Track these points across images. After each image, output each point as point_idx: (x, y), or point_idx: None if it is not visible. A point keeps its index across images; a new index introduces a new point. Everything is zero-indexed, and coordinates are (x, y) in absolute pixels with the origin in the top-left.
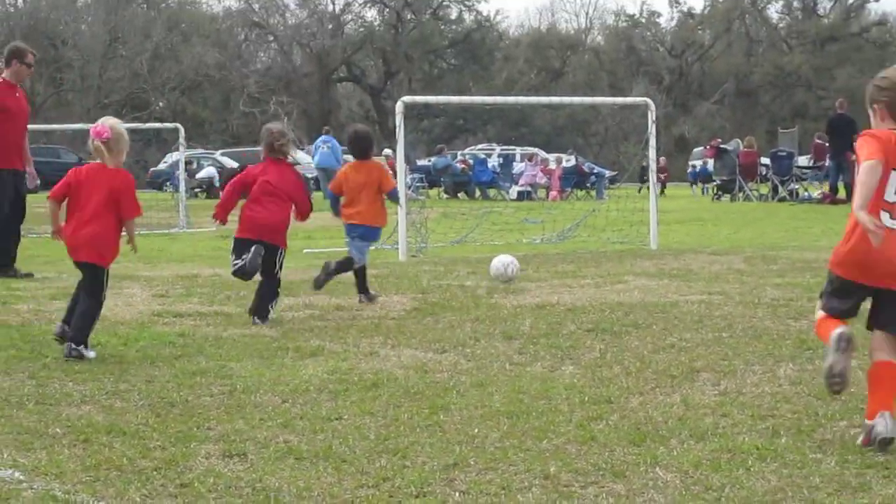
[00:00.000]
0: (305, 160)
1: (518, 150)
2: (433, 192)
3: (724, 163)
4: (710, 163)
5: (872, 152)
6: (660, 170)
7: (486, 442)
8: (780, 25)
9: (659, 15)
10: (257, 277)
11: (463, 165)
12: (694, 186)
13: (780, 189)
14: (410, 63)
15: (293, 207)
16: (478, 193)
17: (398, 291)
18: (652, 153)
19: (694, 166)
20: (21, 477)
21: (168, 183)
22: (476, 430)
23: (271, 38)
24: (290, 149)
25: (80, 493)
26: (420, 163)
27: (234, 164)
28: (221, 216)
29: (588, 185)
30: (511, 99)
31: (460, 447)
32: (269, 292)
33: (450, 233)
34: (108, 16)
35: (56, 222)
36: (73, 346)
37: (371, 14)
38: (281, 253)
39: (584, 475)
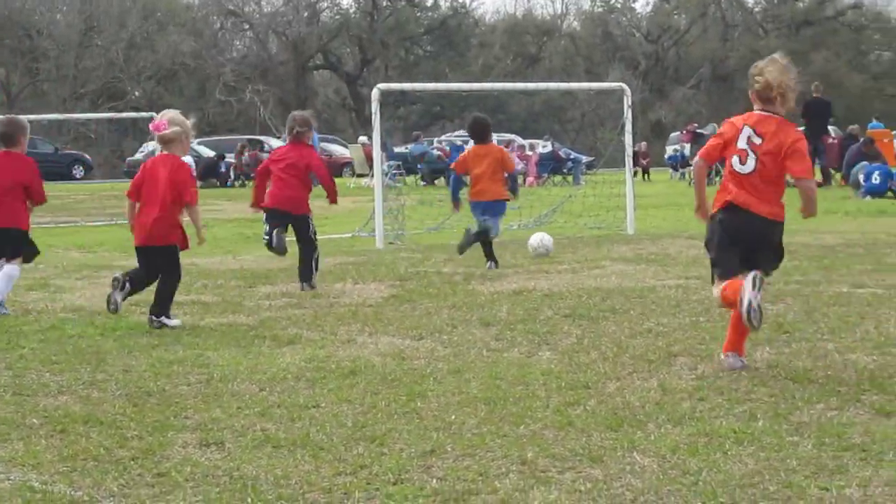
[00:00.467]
0: None
1: (495, 137)
2: (410, 179)
3: (701, 147)
4: (688, 147)
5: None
6: (642, 155)
7: (463, 428)
8: (756, 10)
9: (635, 0)
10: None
11: (440, 153)
12: (674, 172)
13: None
14: (386, 50)
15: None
16: None
17: (375, 279)
18: (628, 138)
19: (676, 150)
20: None
21: None
22: (453, 417)
23: (247, 26)
24: (309, 135)
25: (57, 484)
26: (397, 150)
27: (211, 153)
28: (258, 203)
29: (565, 170)
30: (487, 85)
31: (437, 434)
32: (308, 257)
33: (427, 220)
34: (84, 5)
35: (131, 218)
36: (155, 318)
37: (347, 1)
38: (308, 219)
39: (561, 460)
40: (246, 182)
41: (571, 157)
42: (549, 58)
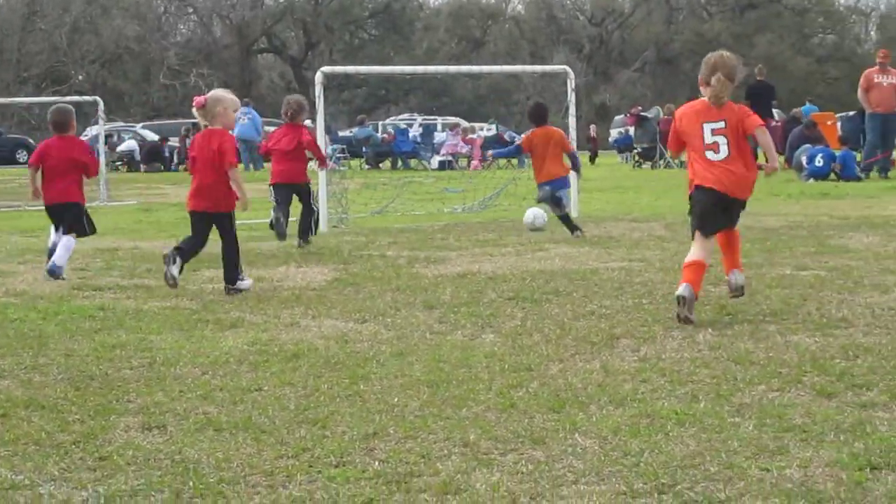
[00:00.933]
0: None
1: (439, 120)
2: (354, 162)
3: (645, 130)
4: (632, 130)
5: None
6: (590, 139)
7: (405, 411)
8: None
9: None
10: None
11: (385, 136)
12: (621, 155)
13: None
14: (331, 34)
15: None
16: (399, 163)
17: (319, 262)
18: (572, 121)
19: (621, 133)
20: None
21: None
22: (396, 400)
23: (191, 10)
24: (302, 117)
25: None
26: (342, 133)
27: (155, 137)
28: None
29: None
30: (432, 68)
31: (380, 416)
32: (308, 218)
33: (371, 203)
34: None
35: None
36: (230, 286)
37: None
38: (309, 187)
39: (503, 442)
40: None
41: (516, 140)
42: (494, 41)
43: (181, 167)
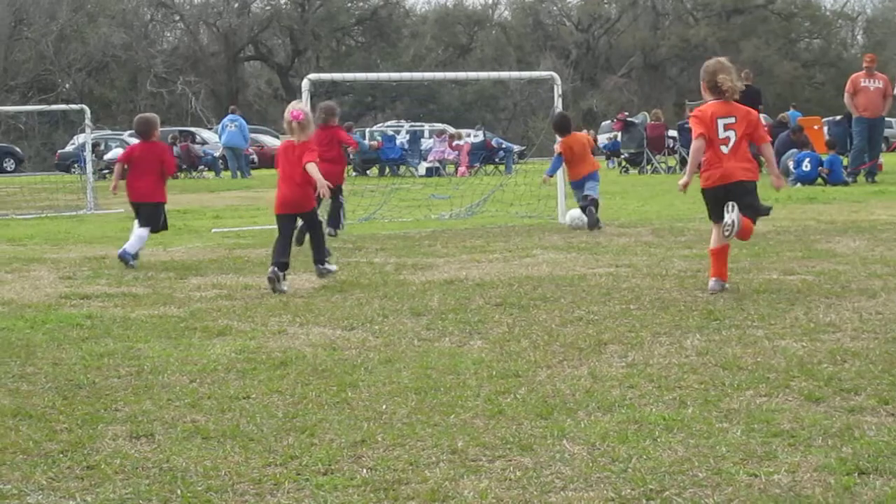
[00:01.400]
0: (213, 139)
1: (426, 127)
2: None
3: (632, 136)
4: (619, 136)
5: (697, 129)
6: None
7: (393, 418)
8: None
9: None
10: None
11: (374, 143)
12: (608, 161)
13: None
14: (318, 41)
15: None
16: (387, 170)
17: (307, 269)
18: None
19: (609, 139)
20: None
21: (76, 165)
22: (384, 407)
23: (177, 17)
24: (333, 120)
25: None
26: None
27: None
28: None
29: (496, 160)
30: (418, 75)
31: (368, 424)
32: (337, 211)
33: (358, 210)
34: None
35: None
36: (321, 265)
37: None
38: (341, 187)
39: (491, 449)
40: (177, 174)
41: (503, 146)
42: (481, 47)
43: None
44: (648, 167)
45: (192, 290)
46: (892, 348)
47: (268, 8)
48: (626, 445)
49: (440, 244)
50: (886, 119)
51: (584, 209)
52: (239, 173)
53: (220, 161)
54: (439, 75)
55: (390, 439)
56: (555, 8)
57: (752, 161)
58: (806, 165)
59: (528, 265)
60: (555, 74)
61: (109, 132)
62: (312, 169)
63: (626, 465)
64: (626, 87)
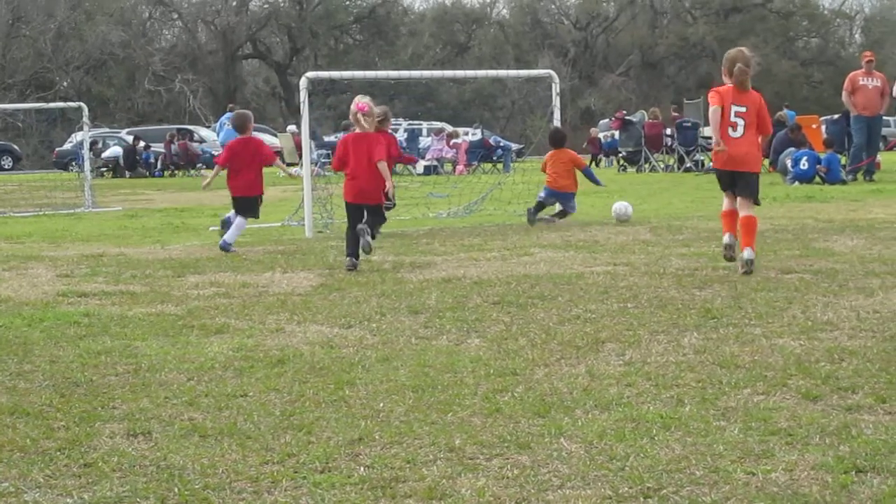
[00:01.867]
0: (211, 137)
1: (424, 125)
2: None
3: (630, 134)
4: (618, 134)
5: (714, 101)
6: (590, 141)
7: (391, 416)
8: None
9: None
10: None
11: None
12: (606, 159)
13: (686, 160)
14: (316, 39)
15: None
16: None
17: (304, 268)
18: (557, 126)
19: (607, 137)
20: None
21: (74, 163)
22: (381, 405)
23: (175, 15)
24: (387, 124)
25: None
26: (327, 139)
27: (141, 144)
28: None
29: (494, 158)
30: (416, 73)
31: (365, 422)
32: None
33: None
34: None
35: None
36: (370, 239)
37: None
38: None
39: (488, 447)
40: (175, 172)
41: (501, 144)
42: (479, 46)
43: (166, 173)
44: (646, 166)
45: (190, 288)
46: (889, 347)
47: (266, 6)
48: (623, 443)
49: (438, 242)
50: (885, 118)
51: (559, 214)
52: None
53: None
54: (437, 73)
55: (388, 437)
56: (553, 6)
57: (758, 150)
58: (804, 164)
59: (526, 263)
60: (553, 73)
61: (107, 130)
62: (383, 167)
63: (623, 464)
64: (624, 86)
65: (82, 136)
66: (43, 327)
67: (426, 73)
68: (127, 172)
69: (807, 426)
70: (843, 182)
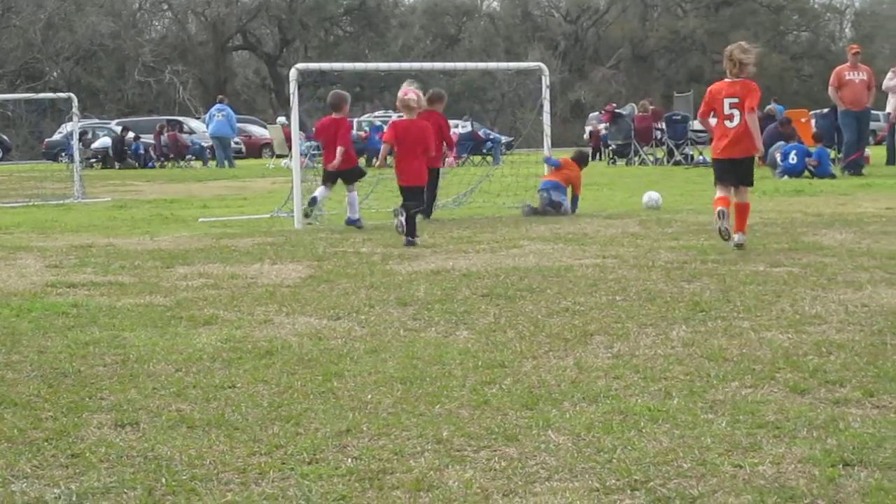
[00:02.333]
0: (200, 129)
1: None
2: None
3: (620, 127)
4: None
5: (700, 111)
6: (591, 135)
7: (379, 408)
8: None
9: None
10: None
11: (361, 133)
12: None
13: (676, 153)
14: (306, 31)
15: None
16: (374, 160)
17: (293, 259)
18: (546, 118)
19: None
20: None
21: (63, 153)
22: (369, 397)
23: (165, 6)
24: (439, 106)
25: None
26: None
27: (130, 135)
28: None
29: (484, 150)
30: (406, 65)
31: (353, 413)
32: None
33: (345, 200)
34: None
35: (383, 160)
36: (410, 239)
37: None
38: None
39: (476, 439)
40: (165, 163)
41: (491, 137)
42: (469, 38)
43: (157, 164)
44: (636, 158)
45: (179, 280)
46: (877, 340)
47: None
48: (611, 436)
49: (427, 234)
50: (872, 112)
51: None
52: (226, 163)
53: (208, 150)
54: (427, 65)
55: (375, 429)
56: None
57: (753, 131)
58: (793, 158)
59: (515, 256)
60: (543, 65)
61: (97, 121)
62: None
63: (610, 456)
64: (615, 79)
65: (72, 126)
66: (31, 318)
67: (416, 65)
68: (116, 163)
69: (794, 419)
70: (833, 176)
